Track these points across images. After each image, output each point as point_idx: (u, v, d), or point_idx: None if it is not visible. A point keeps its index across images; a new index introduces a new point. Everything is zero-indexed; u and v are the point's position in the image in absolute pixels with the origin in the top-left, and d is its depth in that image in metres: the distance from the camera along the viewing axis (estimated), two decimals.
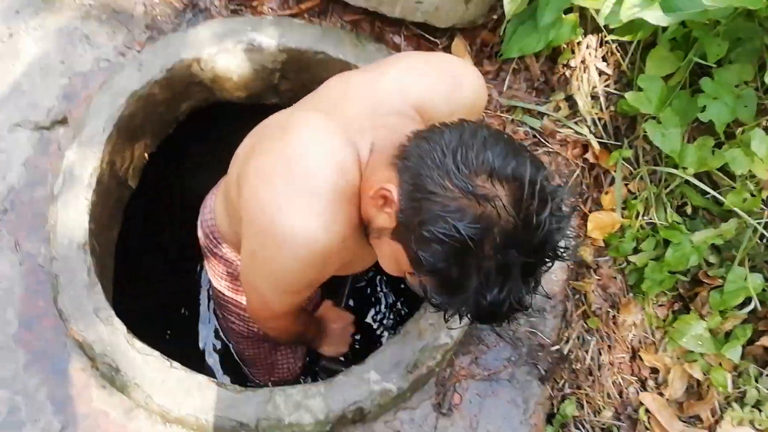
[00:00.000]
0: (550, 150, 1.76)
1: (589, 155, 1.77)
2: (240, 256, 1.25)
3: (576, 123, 1.77)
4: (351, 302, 2.08)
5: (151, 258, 2.04)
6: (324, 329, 1.66)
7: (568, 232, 1.75)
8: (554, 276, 1.69)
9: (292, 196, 0.96)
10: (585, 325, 1.79)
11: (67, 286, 1.38)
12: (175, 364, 1.40)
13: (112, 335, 1.38)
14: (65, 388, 1.40)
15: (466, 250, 0.83)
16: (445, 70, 1.14)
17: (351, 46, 1.67)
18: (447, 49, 1.80)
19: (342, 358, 1.77)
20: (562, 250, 0.87)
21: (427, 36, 1.78)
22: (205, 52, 1.59)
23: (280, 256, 1.00)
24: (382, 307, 2.24)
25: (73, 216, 1.41)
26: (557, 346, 1.68)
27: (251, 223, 1.04)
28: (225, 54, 1.61)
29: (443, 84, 1.12)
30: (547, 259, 0.87)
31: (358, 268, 1.35)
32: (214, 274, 1.52)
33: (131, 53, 1.63)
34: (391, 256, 0.98)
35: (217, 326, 1.99)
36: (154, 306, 1.92)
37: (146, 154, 1.69)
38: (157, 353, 1.39)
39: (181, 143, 1.78)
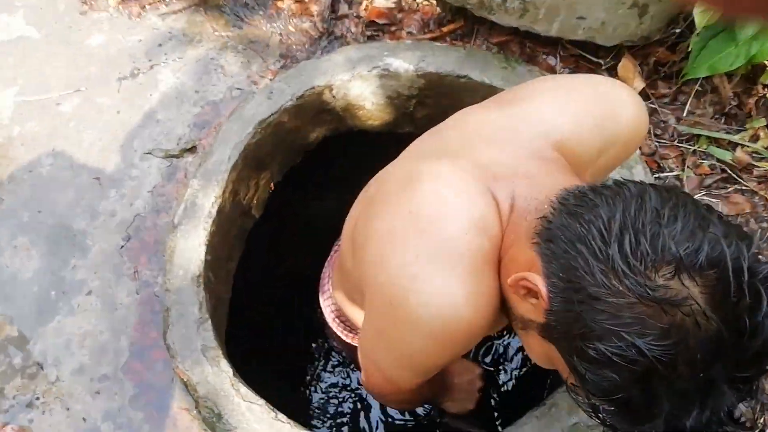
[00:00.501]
0: (745, 188, 1.41)
1: None
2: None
3: None
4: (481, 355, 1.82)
5: (270, 290, 1.94)
6: (448, 383, 1.42)
7: None
8: None
9: (429, 263, 0.77)
10: None
11: (176, 320, 1.29)
12: (281, 416, 1.24)
13: (217, 377, 1.26)
14: (168, 427, 1.29)
15: (652, 373, 0.62)
16: (595, 96, 0.91)
17: (498, 69, 1.48)
18: (612, 70, 1.54)
19: (469, 416, 1.51)
20: None
21: (587, 56, 1.54)
22: (337, 79, 1.48)
23: (413, 335, 0.80)
24: (518, 359, 1.93)
25: (191, 246, 1.34)
26: None
27: (376, 295, 0.85)
28: (358, 80, 1.49)
29: (593, 116, 0.88)
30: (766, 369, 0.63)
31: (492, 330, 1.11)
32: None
33: (264, 81, 1.57)
34: (543, 354, 0.77)
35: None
36: (267, 338, 1.81)
37: (272, 184, 1.60)
38: (261, 401, 1.25)
39: (309, 171, 1.68)
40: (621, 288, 0.62)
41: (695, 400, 0.62)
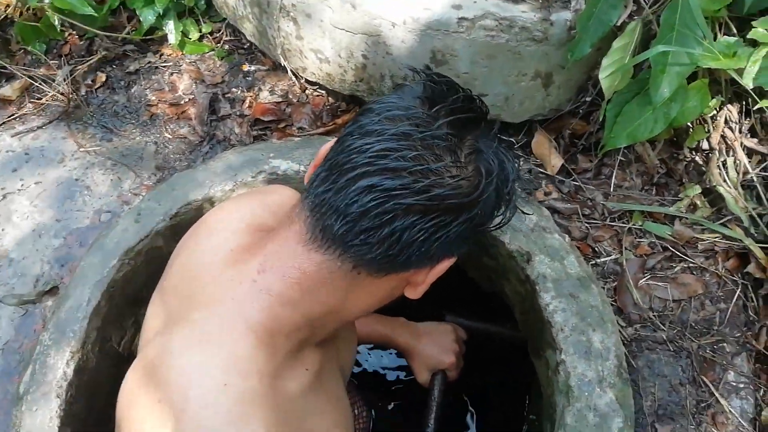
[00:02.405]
0: (692, 265, 1.25)
1: (752, 267, 1.23)
2: None
3: (725, 225, 1.25)
4: None
5: None
6: (418, 329, 1.38)
7: None
8: None
9: None
10: None
11: None
12: None
13: None
14: None
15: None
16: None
17: None
18: (527, 147, 1.39)
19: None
20: None
21: (497, 135, 1.38)
22: (217, 190, 1.28)
23: None
24: None
25: (40, 423, 1.06)
26: None
27: None
28: (242, 189, 1.29)
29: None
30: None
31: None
32: None
33: (137, 201, 1.35)
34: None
35: None
36: None
37: None
38: None
39: None
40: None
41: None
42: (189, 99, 1.51)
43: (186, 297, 0.76)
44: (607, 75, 1.20)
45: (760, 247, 1.23)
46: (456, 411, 1.72)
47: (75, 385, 1.11)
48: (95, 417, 1.21)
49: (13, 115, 1.50)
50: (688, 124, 1.27)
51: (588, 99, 1.30)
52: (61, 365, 1.11)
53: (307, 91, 1.49)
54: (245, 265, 0.73)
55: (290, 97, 1.48)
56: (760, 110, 1.22)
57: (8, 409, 1.15)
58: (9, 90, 1.53)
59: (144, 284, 1.29)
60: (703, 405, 1.11)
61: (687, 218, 1.27)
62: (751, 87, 1.10)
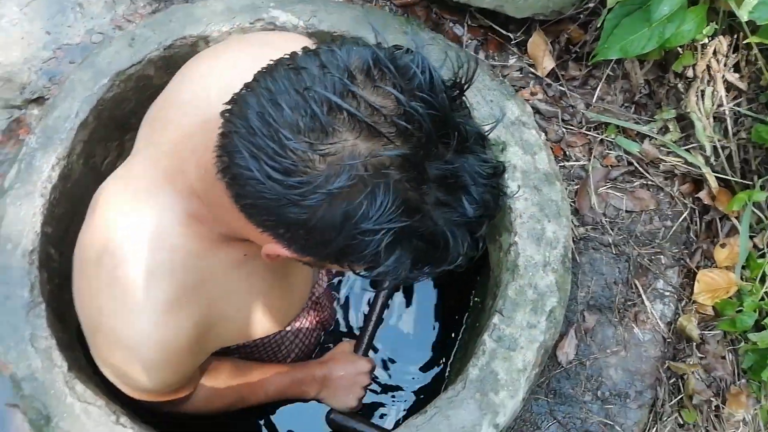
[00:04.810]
0: (650, 183, 1.34)
1: (703, 194, 1.33)
2: None
3: (689, 151, 1.33)
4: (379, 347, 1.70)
5: None
6: (326, 377, 1.29)
7: None
8: (644, 351, 1.26)
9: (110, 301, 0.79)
10: (679, 418, 1.34)
11: (0, 304, 1.08)
12: (124, 419, 1.06)
13: (48, 373, 1.07)
14: None
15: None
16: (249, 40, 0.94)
17: (398, 33, 1.31)
18: (522, 46, 1.42)
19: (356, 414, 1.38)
20: None
21: (497, 28, 1.41)
22: (213, 30, 1.28)
23: (131, 366, 0.83)
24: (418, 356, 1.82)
25: (23, 216, 1.12)
26: None
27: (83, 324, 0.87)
28: (238, 34, 1.30)
29: (248, 53, 0.87)
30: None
31: (295, 307, 1.05)
32: None
33: (130, 27, 1.34)
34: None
35: None
36: None
37: None
38: (101, 402, 1.07)
39: None
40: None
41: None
42: None
43: (146, 144, 0.85)
44: None
45: (716, 177, 1.33)
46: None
47: (59, 190, 1.16)
48: (77, 227, 1.27)
49: None
50: (679, 48, 1.31)
51: (591, 5, 1.33)
52: (46, 168, 1.15)
53: None
54: (189, 139, 0.75)
55: None
56: (748, 46, 1.27)
57: None
58: None
59: (132, 111, 1.32)
60: (629, 303, 1.24)
61: (656, 139, 1.34)
62: (746, 20, 1.14)
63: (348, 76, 0.54)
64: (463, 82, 0.58)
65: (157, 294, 0.77)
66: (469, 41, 1.40)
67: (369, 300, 1.46)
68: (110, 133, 1.29)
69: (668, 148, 1.34)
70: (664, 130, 1.35)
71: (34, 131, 1.18)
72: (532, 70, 1.40)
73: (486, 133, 0.60)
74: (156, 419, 1.18)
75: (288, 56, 0.59)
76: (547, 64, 1.38)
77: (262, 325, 0.95)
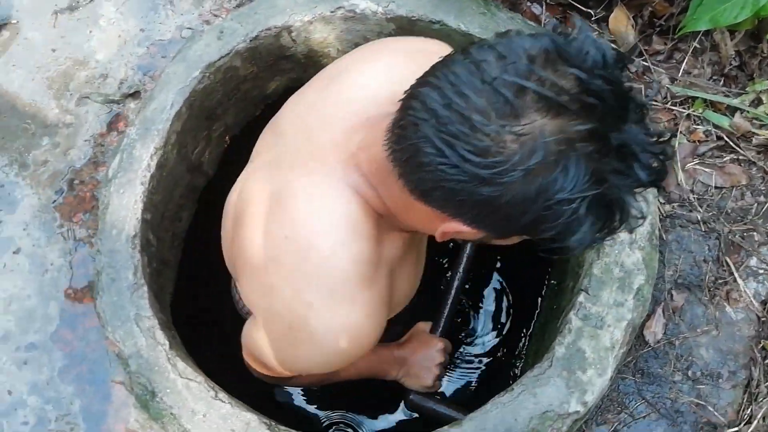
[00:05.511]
0: (742, 158, 1.29)
1: None
2: None
3: None
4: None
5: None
6: (403, 357, 1.32)
7: None
8: (738, 331, 1.22)
9: (319, 287, 0.80)
10: None
11: (107, 286, 1.17)
12: (222, 394, 1.13)
13: (152, 351, 1.14)
14: (101, 403, 1.19)
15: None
16: (408, 51, 0.90)
17: (476, 15, 1.32)
18: (603, 22, 1.39)
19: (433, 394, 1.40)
20: None
21: (576, 5, 1.38)
22: (296, 20, 1.32)
23: (318, 354, 0.85)
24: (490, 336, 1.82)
25: (126, 204, 1.20)
26: (735, 428, 1.21)
27: (274, 322, 0.88)
28: (320, 23, 1.33)
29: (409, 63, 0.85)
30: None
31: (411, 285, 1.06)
32: None
33: (218, 21, 1.40)
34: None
35: None
36: (225, 303, 1.69)
37: (227, 138, 1.45)
38: (201, 378, 1.13)
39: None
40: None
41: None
42: None
43: (305, 140, 0.84)
44: None
45: None
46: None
47: (156, 178, 1.24)
48: (170, 214, 1.35)
49: None
50: None
51: None
52: (145, 157, 1.22)
53: None
54: (356, 135, 0.78)
55: None
56: None
57: (95, 192, 1.29)
58: None
59: (219, 102, 1.38)
60: (720, 282, 1.20)
61: (748, 112, 1.29)
62: None
63: (529, 61, 0.59)
64: (624, 57, 0.62)
65: (365, 284, 0.80)
66: (548, 20, 1.38)
67: (446, 278, 1.48)
68: (200, 123, 1.36)
69: (761, 120, 1.28)
70: (757, 102, 1.30)
71: (134, 123, 1.25)
72: (614, 45, 1.37)
73: (647, 104, 0.65)
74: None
75: (459, 53, 0.64)
76: (630, 38, 1.35)
77: (408, 296, 1.01)
